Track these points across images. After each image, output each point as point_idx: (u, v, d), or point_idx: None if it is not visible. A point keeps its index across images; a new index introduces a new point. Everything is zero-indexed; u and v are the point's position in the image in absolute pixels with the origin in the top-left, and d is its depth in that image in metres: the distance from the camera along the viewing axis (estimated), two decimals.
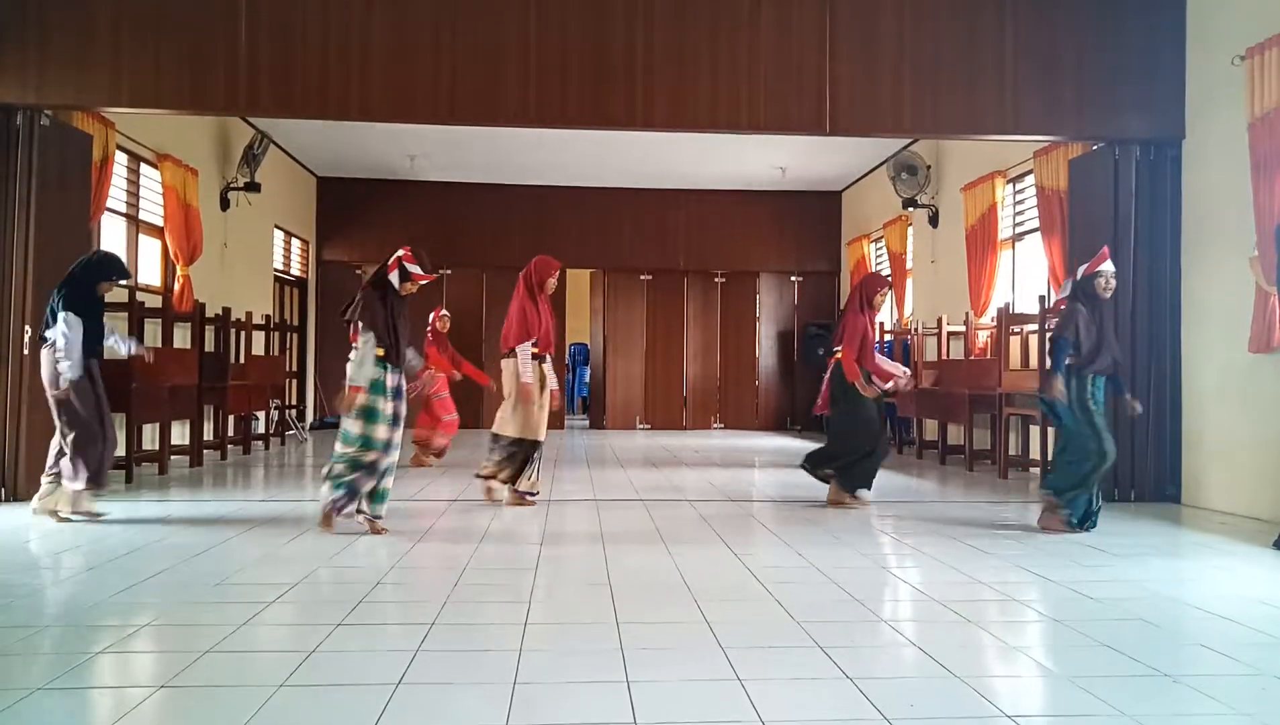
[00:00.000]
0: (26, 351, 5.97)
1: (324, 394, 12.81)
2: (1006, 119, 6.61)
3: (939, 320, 9.52)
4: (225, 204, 10.25)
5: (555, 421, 10.90)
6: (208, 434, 8.79)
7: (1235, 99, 5.96)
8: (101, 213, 7.49)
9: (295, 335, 12.86)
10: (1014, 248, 9.22)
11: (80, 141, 6.73)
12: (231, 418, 9.30)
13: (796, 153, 11.76)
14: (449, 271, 13.36)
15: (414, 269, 4.93)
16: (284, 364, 11.06)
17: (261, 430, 10.24)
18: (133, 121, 7.95)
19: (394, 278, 4.93)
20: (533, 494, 6.12)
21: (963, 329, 9.36)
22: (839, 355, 6.04)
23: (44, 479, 5.28)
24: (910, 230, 11.47)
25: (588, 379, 15.62)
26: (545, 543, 4.87)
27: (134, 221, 8.55)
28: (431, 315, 8.31)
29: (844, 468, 6.11)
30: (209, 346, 8.80)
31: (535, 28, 6.38)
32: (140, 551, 4.50)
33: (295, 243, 12.93)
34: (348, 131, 10.82)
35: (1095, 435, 5.10)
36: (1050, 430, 7.45)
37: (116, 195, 8.10)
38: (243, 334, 9.83)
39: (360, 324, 4.86)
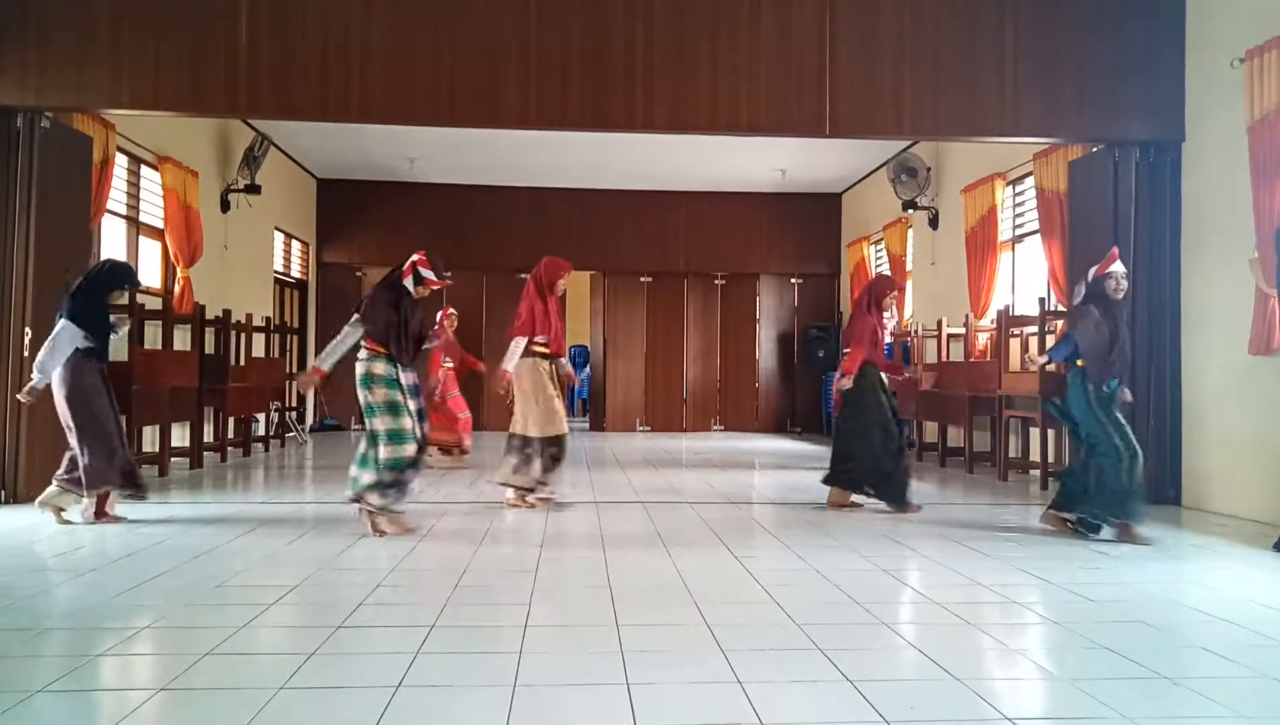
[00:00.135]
0: (26, 353, 5.97)
1: (324, 396, 12.81)
2: (1006, 120, 6.62)
3: (939, 322, 9.51)
4: (225, 206, 10.25)
5: None
6: (208, 436, 8.80)
7: (1235, 101, 5.97)
8: (102, 215, 7.49)
9: (295, 337, 12.84)
10: (1014, 250, 9.22)
11: (80, 143, 6.73)
12: (231, 420, 9.30)
13: (796, 155, 11.76)
14: (449, 276, 13.34)
15: (428, 274, 5.11)
16: (284, 366, 11.05)
17: (261, 432, 10.25)
18: (133, 123, 7.96)
19: (409, 283, 5.01)
20: (537, 493, 6.04)
21: (963, 331, 9.36)
22: (849, 356, 6.03)
23: (54, 481, 5.28)
24: (910, 232, 11.47)
25: (587, 380, 15.61)
26: (545, 545, 4.87)
27: (134, 223, 8.54)
28: (439, 315, 8.35)
29: (880, 485, 5.95)
30: (209, 348, 8.80)
31: (535, 30, 6.40)
32: (140, 554, 4.50)
33: (295, 245, 12.93)
34: (348, 134, 10.83)
35: (1118, 430, 5.02)
36: (1050, 432, 7.47)
37: (117, 197, 8.10)
38: (243, 336, 9.83)
39: (358, 317, 4.97)
